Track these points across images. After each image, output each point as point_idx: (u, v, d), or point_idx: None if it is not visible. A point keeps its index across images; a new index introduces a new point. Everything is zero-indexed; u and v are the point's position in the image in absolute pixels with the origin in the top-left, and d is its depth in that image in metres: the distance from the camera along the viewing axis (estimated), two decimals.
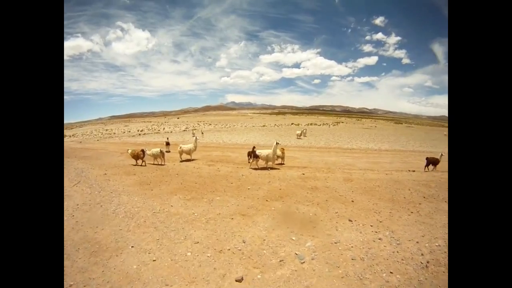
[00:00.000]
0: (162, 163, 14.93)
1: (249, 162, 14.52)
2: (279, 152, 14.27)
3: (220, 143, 27.67)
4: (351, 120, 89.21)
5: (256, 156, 13.32)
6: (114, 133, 47.58)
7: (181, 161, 15.83)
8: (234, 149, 22.26)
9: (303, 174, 12.16)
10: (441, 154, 14.48)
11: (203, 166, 14.32)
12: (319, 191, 9.51)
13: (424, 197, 8.89)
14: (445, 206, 8.02)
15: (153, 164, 14.88)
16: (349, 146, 26.55)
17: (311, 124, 61.75)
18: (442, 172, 13.25)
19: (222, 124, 63.71)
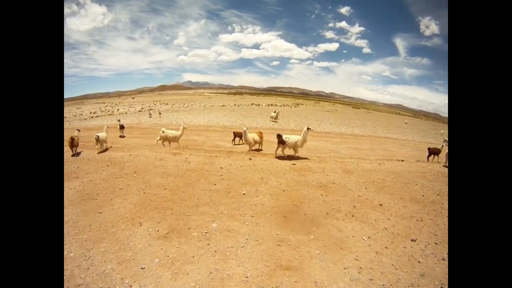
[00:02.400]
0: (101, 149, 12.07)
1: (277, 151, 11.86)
2: (257, 137, 13.11)
3: (180, 124, 24.11)
4: (310, 103, 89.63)
5: (283, 143, 11.26)
6: (65, 117, 42.75)
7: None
8: (199, 132, 19.61)
9: (293, 164, 10.59)
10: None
11: (167, 155, 11.30)
12: (331, 190, 8.08)
13: (438, 194, 8.41)
14: None
15: (99, 151, 11.83)
16: (322, 130, 25.84)
17: (271, 104, 60.55)
18: (435, 163, 13.33)
19: (180, 104, 59.44)
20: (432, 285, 4.23)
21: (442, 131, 42.93)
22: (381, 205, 7.30)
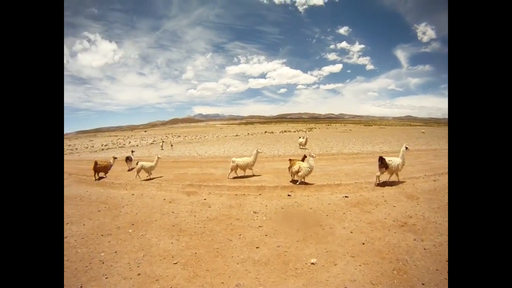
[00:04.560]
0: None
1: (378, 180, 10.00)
2: (297, 168, 10.03)
3: (194, 156, 21.83)
4: (322, 126, 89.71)
5: (386, 166, 9.61)
6: (76, 149, 41.66)
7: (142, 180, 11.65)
8: (215, 164, 16.68)
9: (345, 197, 8.29)
10: None
11: (179, 195, 8.77)
12: (418, 230, 6.01)
13: None
14: None
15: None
16: (349, 151, 22.90)
17: (284, 131, 59.94)
18: None
19: (192, 136, 58.09)
20: None
21: (422, 131, 40.99)
22: None
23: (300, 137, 26.89)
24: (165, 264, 4.73)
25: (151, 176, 12.23)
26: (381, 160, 9.67)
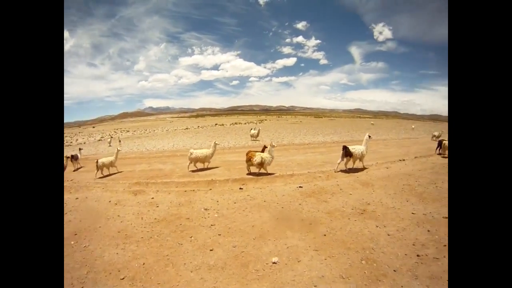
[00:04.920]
0: None
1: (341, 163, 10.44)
2: (259, 159, 9.82)
3: (143, 151, 20.51)
4: (272, 118, 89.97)
5: (350, 155, 10.06)
6: None
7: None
8: (164, 159, 15.82)
9: (299, 187, 8.20)
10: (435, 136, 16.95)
11: (125, 195, 8.00)
12: (378, 216, 6.06)
13: None
14: None
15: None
16: (301, 142, 23.22)
17: (235, 123, 59.01)
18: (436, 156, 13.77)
19: (142, 130, 55.38)
20: None
21: (413, 126, 44.07)
22: (447, 218, 5.78)
23: (252, 129, 26.40)
24: (111, 280, 4.07)
25: (113, 172, 11.70)
26: (345, 149, 10.01)
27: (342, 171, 10.13)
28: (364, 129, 37.84)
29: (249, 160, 9.80)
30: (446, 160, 13.08)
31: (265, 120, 73.59)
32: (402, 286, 3.66)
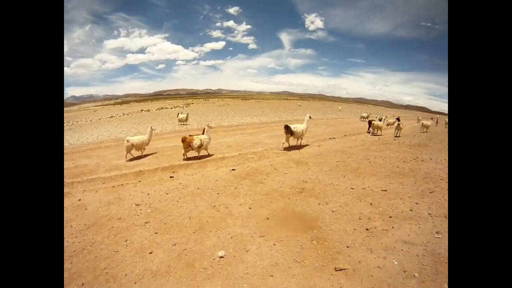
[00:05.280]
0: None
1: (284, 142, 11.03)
2: (199, 142, 9.72)
3: (66, 146, 17.27)
4: (199, 101, 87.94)
5: (292, 133, 10.59)
6: None
7: None
8: (89, 152, 13.83)
9: (232, 170, 8.15)
10: (376, 117, 17.81)
11: None
12: (318, 193, 6.22)
13: (404, 161, 8.74)
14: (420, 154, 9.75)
15: None
16: (229, 123, 23.24)
17: (161, 108, 56.52)
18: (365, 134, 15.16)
19: (64, 123, 51.17)
20: None
21: (340, 107, 46.48)
22: (386, 190, 6.20)
23: (179, 113, 25.24)
24: None
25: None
26: (287, 128, 10.49)
27: (273, 151, 10.31)
28: (292, 110, 39.71)
29: (188, 146, 9.42)
30: (376, 138, 14.50)
31: (192, 103, 71.69)
32: (359, 261, 3.70)
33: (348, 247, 4.02)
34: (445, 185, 6.31)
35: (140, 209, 5.71)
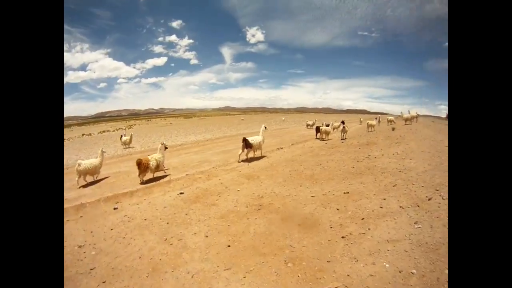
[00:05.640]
0: None
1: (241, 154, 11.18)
2: (155, 163, 9.22)
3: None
4: (142, 122, 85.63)
5: (250, 146, 10.85)
6: None
7: None
8: None
9: (180, 194, 7.35)
10: (323, 123, 18.62)
11: None
12: (275, 208, 5.80)
13: (358, 161, 8.79)
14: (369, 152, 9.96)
15: None
16: (173, 143, 22.16)
17: (103, 131, 53.83)
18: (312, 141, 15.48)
19: None
20: None
21: (283, 118, 47.22)
22: (348, 192, 6.05)
23: (122, 135, 23.46)
24: None
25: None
26: (245, 141, 10.71)
27: (221, 168, 9.92)
28: (235, 125, 40.10)
29: (146, 169, 8.69)
30: (323, 143, 14.84)
31: (135, 125, 69.93)
32: (348, 275, 3.32)
33: (329, 261, 3.62)
34: (405, 176, 6.29)
35: (84, 252, 4.75)
